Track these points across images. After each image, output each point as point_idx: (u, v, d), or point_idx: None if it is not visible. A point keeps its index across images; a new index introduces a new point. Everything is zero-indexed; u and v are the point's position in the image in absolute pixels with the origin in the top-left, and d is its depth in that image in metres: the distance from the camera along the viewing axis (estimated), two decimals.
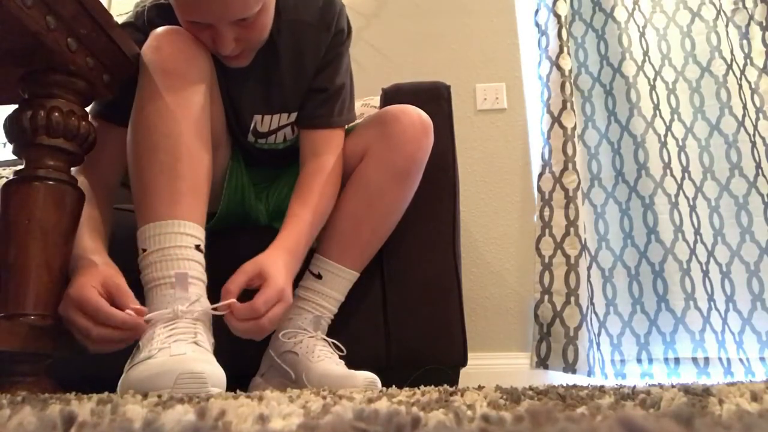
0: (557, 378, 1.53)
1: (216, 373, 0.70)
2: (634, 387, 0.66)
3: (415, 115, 1.01)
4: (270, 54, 0.99)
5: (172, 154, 0.83)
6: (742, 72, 1.79)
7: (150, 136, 0.84)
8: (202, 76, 0.88)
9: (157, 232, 0.80)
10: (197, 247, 0.82)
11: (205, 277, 0.83)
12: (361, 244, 1.02)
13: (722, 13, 1.83)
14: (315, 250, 1.03)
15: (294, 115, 1.05)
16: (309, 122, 1.04)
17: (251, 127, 1.05)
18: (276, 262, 0.87)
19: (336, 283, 1.00)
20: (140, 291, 0.81)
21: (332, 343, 0.98)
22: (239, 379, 0.91)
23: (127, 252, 0.83)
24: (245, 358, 1.02)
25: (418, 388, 0.71)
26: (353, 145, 1.04)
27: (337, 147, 1.03)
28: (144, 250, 0.81)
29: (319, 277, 0.99)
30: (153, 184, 0.82)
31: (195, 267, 0.81)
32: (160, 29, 0.88)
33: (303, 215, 0.95)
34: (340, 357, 0.97)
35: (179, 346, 0.72)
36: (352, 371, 0.90)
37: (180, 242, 0.80)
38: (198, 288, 0.80)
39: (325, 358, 0.93)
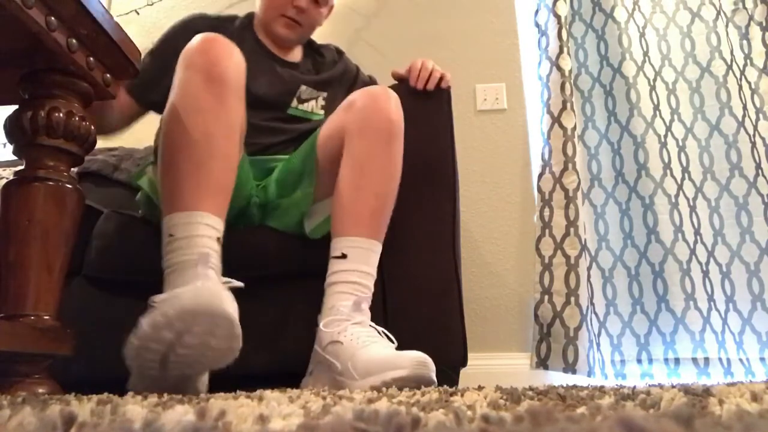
0: (557, 378, 1.53)
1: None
2: (634, 387, 0.66)
3: (377, 87, 1.11)
4: (319, 64, 1.39)
5: (207, 152, 0.89)
6: (742, 72, 1.79)
7: (188, 133, 0.89)
8: (240, 81, 0.95)
9: (184, 221, 0.85)
10: (217, 240, 0.87)
11: (220, 268, 0.85)
12: (368, 210, 1.02)
13: (722, 13, 1.83)
14: (331, 236, 1.02)
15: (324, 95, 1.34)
16: None
17: (297, 93, 1.28)
18: None
19: (361, 255, 0.99)
20: (158, 280, 0.83)
21: (382, 331, 0.95)
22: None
23: (126, 252, 0.84)
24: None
25: (418, 388, 0.71)
26: (330, 130, 1.10)
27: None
28: (171, 236, 0.85)
29: (343, 256, 0.99)
30: (186, 177, 0.88)
31: (215, 256, 0.84)
32: (205, 34, 0.94)
33: None
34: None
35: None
36: (400, 352, 0.88)
37: (204, 232, 0.85)
38: (215, 274, 0.83)
39: (372, 343, 0.90)
